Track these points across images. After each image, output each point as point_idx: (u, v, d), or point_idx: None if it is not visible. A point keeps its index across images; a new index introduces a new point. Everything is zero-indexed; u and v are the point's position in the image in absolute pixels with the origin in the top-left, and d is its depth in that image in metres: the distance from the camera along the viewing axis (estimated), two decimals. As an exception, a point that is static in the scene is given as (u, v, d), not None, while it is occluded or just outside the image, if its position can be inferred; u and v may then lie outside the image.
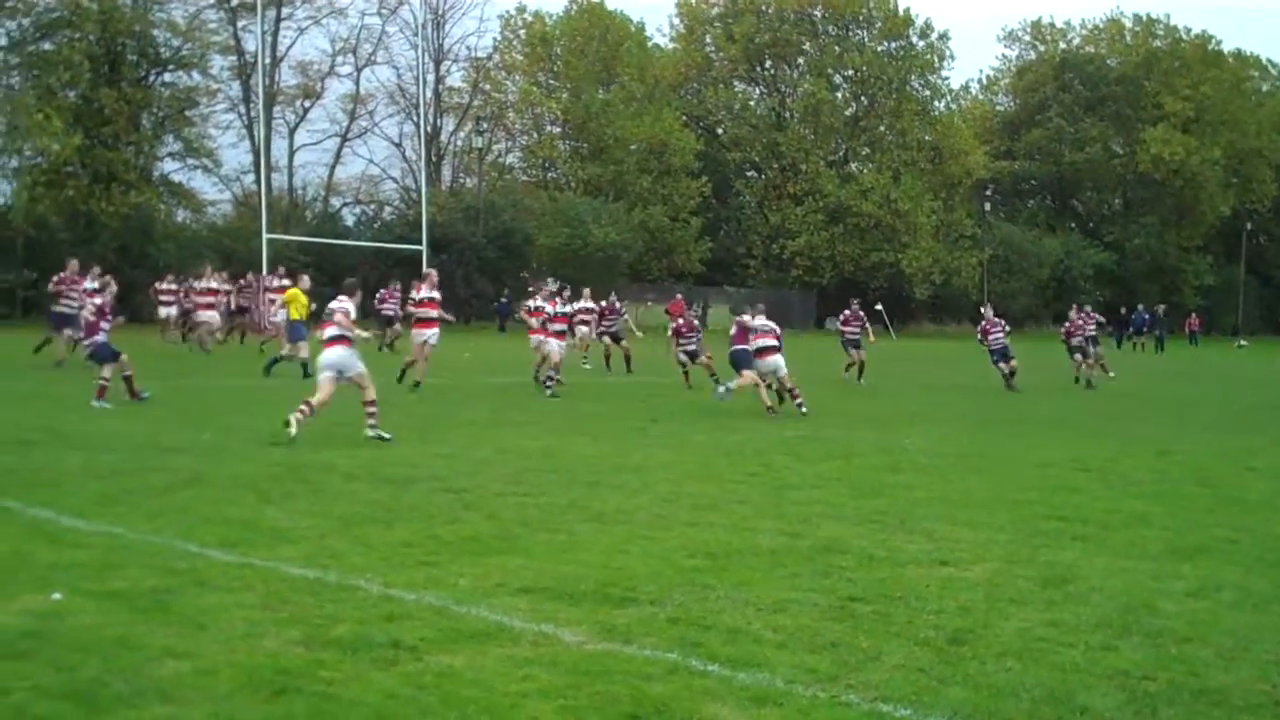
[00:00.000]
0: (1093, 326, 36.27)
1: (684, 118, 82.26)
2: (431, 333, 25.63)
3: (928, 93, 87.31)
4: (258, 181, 62.59)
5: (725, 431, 19.17)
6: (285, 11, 72.10)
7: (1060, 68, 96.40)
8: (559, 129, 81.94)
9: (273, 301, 35.35)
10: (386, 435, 16.70)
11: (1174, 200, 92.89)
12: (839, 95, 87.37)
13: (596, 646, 7.20)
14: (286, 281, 33.60)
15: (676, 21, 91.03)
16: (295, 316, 27.78)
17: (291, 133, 75.97)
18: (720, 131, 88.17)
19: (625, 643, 7.28)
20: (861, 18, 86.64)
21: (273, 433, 16.30)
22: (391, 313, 37.10)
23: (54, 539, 9.69)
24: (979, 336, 32.86)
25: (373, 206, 78.75)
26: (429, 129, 75.86)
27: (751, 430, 19.43)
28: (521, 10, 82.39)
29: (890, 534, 10.80)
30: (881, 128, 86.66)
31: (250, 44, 68.62)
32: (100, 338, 20.82)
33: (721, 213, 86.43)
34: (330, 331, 17.12)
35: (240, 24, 69.95)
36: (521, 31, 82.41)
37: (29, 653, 6.76)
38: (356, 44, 76.18)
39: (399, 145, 79.20)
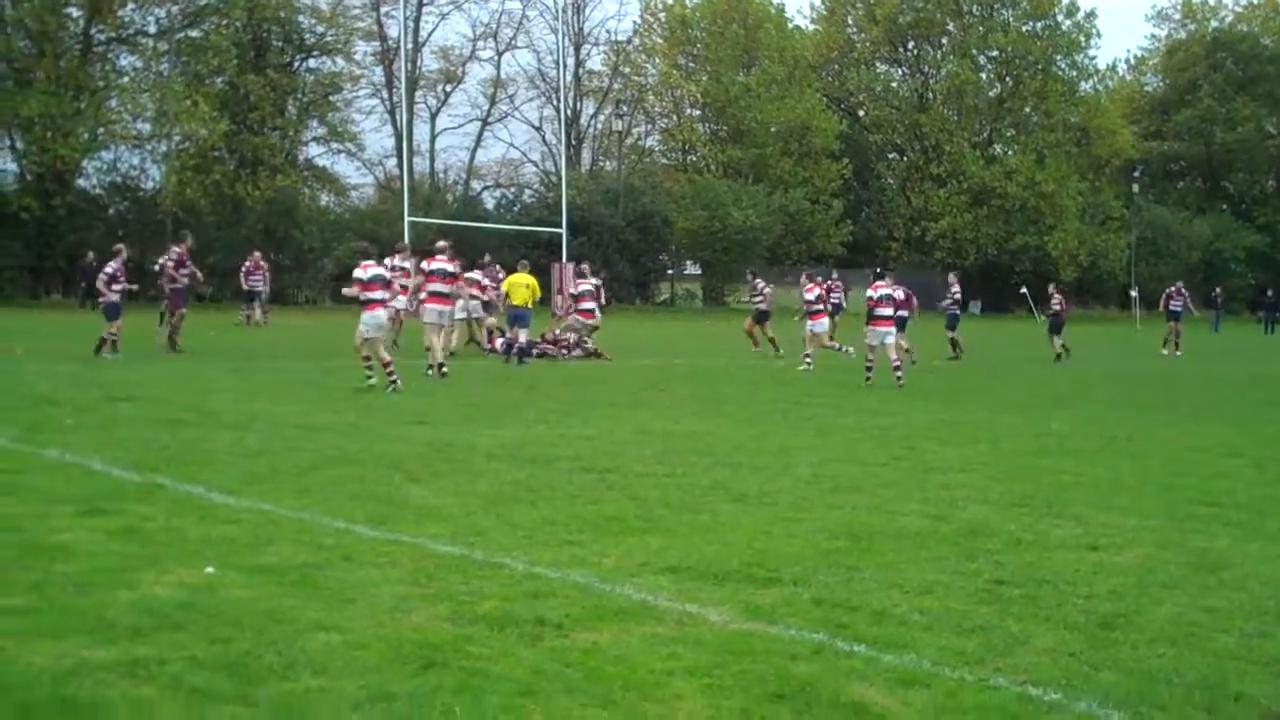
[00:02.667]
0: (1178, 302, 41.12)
1: (825, 100, 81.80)
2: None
3: (1074, 73, 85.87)
4: (400, 165, 63.42)
5: (869, 415, 19.02)
6: (427, -3, 72.87)
7: (1212, 46, 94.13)
8: (699, 112, 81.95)
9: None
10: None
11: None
12: (983, 76, 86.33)
13: (741, 626, 7.16)
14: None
15: (818, 3, 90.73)
16: (518, 302, 28.02)
17: (433, 117, 76.85)
18: (862, 113, 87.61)
19: (770, 623, 7.23)
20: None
21: (417, 412, 16.48)
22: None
23: (205, 514, 9.86)
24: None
25: (513, 190, 79.37)
26: (569, 112, 76.20)
27: (896, 414, 19.25)
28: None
29: (1037, 518, 10.63)
30: (1026, 109, 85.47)
31: (393, 29, 69.64)
32: (113, 298, 25.14)
33: (863, 195, 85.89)
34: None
35: (383, 10, 71.00)
36: (661, 14, 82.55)
37: (183, 624, 6.88)
38: (497, 28, 76.88)
39: (539, 129, 79.80)
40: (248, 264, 38.18)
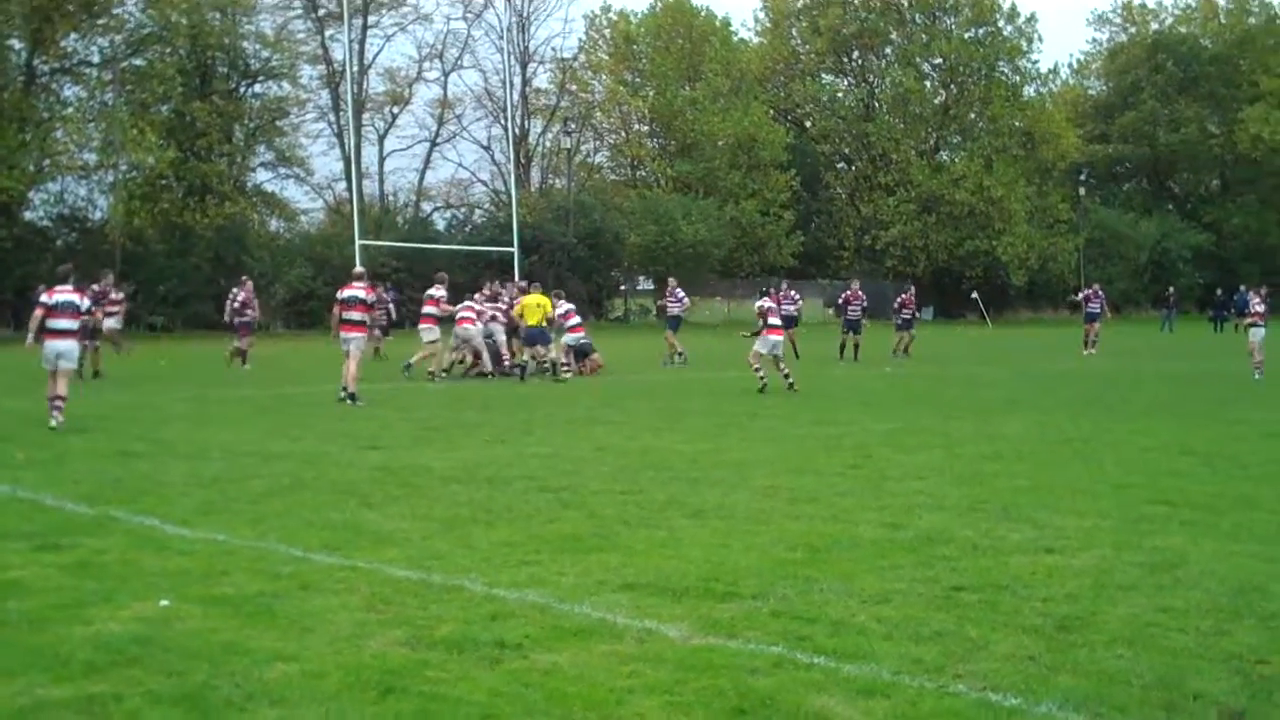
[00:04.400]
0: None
1: (772, 111, 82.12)
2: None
3: (1017, 78, 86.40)
4: (349, 188, 63.15)
5: (824, 425, 19.08)
6: (372, 19, 72.81)
7: (1153, 49, 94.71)
8: (646, 127, 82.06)
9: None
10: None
11: (1274, 179, 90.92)
12: (928, 84, 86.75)
13: (700, 641, 7.17)
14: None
15: (761, 15, 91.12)
16: (532, 322, 28.48)
17: (381, 139, 76.63)
18: (809, 124, 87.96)
19: (729, 637, 7.24)
20: (948, 5, 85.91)
21: (371, 436, 16.46)
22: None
23: (160, 546, 9.81)
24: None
25: (463, 210, 79.18)
26: (517, 131, 76.18)
27: (850, 423, 19.32)
28: (606, 9, 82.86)
29: (993, 523, 10.68)
30: (972, 115, 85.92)
31: (338, 53, 69.46)
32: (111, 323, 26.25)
33: (813, 205, 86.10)
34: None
35: (328, 33, 70.81)
36: (606, 31, 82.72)
37: (140, 658, 6.84)
38: (443, 49, 76.67)
39: (488, 148, 79.61)
40: (242, 295, 36.08)
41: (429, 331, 28.96)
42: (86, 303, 19.97)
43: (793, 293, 36.83)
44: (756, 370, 25.18)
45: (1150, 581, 8.61)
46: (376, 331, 32.48)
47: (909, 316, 39.27)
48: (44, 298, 18.83)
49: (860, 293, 37.07)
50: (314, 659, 6.83)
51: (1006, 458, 15.09)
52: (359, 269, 25.96)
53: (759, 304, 26.31)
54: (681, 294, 35.69)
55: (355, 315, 23.44)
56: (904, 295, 39.97)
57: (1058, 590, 8.33)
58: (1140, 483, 12.97)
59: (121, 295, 35.30)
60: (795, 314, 35.66)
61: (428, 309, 29.17)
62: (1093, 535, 10.18)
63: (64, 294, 18.75)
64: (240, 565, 9.11)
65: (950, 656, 6.90)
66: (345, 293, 23.84)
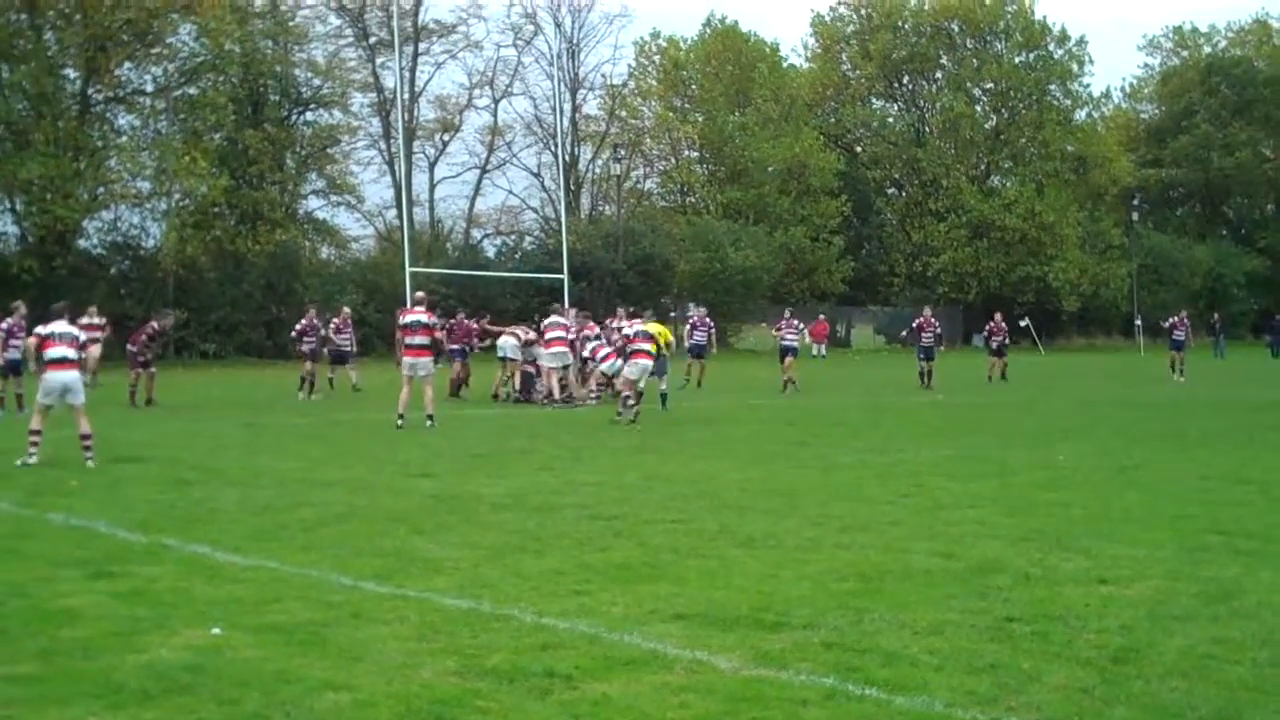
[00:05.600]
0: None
1: (822, 137, 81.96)
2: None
3: (1068, 102, 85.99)
4: (400, 216, 63.39)
5: (875, 453, 18.98)
6: (422, 47, 73.09)
7: (1206, 72, 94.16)
8: (696, 153, 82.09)
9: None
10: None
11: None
12: (978, 108, 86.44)
13: (751, 672, 7.13)
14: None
15: (811, 41, 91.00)
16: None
17: (432, 167, 76.88)
18: (859, 150, 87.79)
19: (780, 668, 7.20)
20: (999, 29, 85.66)
21: (422, 464, 16.50)
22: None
23: (212, 574, 9.85)
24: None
25: (513, 237, 79.31)
26: (567, 158, 76.30)
27: (902, 451, 19.21)
28: (655, 36, 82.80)
29: (1047, 553, 10.59)
30: (1023, 140, 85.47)
31: (389, 80, 69.73)
32: (13, 355, 25.23)
33: (863, 231, 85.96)
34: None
35: (379, 61, 71.10)
36: (656, 57, 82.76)
37: (191, 687, 6.86)
38: (493, 76, 76.88)
39: (538, 175, 79.78)
40: (335, 321, 35.03)
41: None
42: (83, 335, 19.23)
43: (796, 322, 36.57)
44: (625, 397, 24.64)
45: (1206, 612, 8.52)
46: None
47: (1002, 341, 40.59)
48: (40, 328, 18.33)
49: (932, 319, 37.08)
50: (365, 688, 6.83)
51: (1060, 486, 14.97)
52: (420, 294, 25.90)
53: (627, 328, 26.22)
54: (710, 323, 35.99)
55: (419, 340, 23.53)
56: (992, 323, 41.51)
57: (1112, 621, 8.25)
58: (1196, 512, 12.83)
59: (103, 321, 35.58)
60: (794, 345, 35.16)
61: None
62: (1147, 565, 10.08)
63: (60, 326, 18.12)
64: (292, 593, 9.14)
65: (1003, 688, 6.83)
66: (407, 318, 24.03)
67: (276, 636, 7.93)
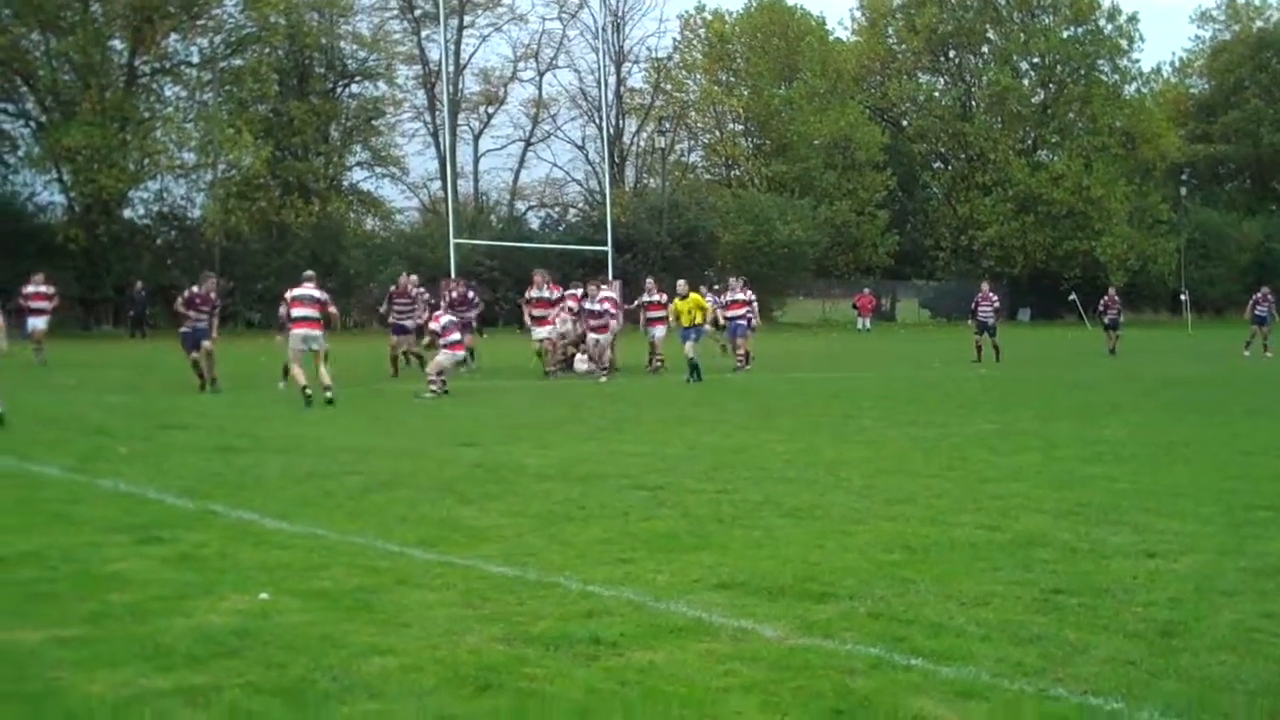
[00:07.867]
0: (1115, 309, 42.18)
1: (868, 111, 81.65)
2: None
3: (1117, 77, 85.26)
4: (444, 188, 63.52)
5: (919, 426, 18.91)
6: (467, 20, 73.28)
7: (1257, 46, 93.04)
8: (741, 127, 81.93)
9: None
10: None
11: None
12: (1026, 82, 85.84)
13: (797, 642, 7.12)
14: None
15: (858, 15, 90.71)
16: (688, 323, 29.38)
17: (476, 139, 77.10)
18: (905, 124, 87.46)
19: (826, 637, 7.19)
20: (1047, 3, 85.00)
21: (467, 433, 16.55)
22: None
23: (259, 540, 9.91)
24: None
25: (557, 209, 79.54)
26: (611, 131, 76.28)
27: (946, 425, 19.13)
28: (701, 9, 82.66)
29: (1093, 526, 10.53)
30: (1071, 114, 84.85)
31: (434, 53, 69.97)
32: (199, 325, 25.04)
33: (908, 205, 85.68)
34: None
35: (424, 34, 71.37)
36: (701, 30, 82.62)
37: (239, 650, 6.90)
38: (538, 49, 77.04)
39: (582, 148, 79.88)
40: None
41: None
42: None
43: (993, 295, 36.69)
44: (431, 383, 23.96)
45: (1254, 587, 8.45)
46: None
47: (1116, 316, 41.40)
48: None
49: (991, 294, 36.87)
50: (411, 653, 6.86)
51: (1106, 460, 14.88)
52: (309, 271, 24.80)
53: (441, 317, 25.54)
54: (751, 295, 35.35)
55: (308, 312, 22.88)
56: (1106, 297, 42.37)
57: (1159, 595, 8.19)
58: (1243, 487, 12.72)
59: (51, 290, 34.89)
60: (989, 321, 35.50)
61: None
62: (1195, 539, 10.01)
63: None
64: (338, 560, 9.18)
65: (1050, 660, 6.80)
66: (296, 291, 23.18)
67: (323, 602, 7.97)
